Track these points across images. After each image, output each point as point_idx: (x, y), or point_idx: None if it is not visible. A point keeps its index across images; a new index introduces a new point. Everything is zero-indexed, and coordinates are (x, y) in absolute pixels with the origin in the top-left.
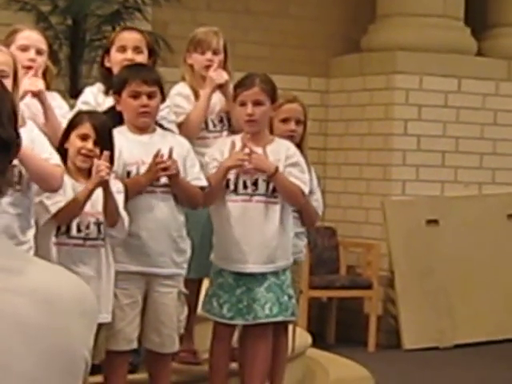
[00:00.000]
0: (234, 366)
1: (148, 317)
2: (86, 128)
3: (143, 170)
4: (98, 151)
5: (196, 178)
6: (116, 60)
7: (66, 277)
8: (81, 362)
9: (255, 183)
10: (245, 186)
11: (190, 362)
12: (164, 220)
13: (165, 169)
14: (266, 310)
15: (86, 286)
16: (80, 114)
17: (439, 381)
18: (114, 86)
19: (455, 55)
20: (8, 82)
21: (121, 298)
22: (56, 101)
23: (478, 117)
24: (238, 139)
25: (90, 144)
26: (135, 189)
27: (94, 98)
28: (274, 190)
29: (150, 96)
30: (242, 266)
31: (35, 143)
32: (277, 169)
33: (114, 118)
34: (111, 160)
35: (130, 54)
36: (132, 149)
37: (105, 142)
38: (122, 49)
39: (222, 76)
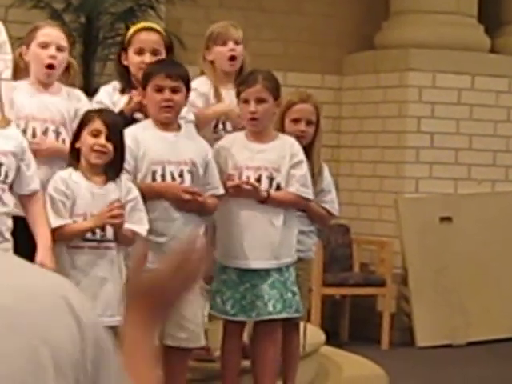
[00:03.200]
0: (246, 363)
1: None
2: (96, 124)
3: (168, 170)
4: (110, 147)
5: (215, 186)
6: (133, 62)
7: (47, 274)
8: (50, 367)
9: (258, 179)
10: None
11: (203, 359)
12: (186, 220)
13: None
14: (269, 306)
15: (70, 285)
16: (89, 112)
17: (452, 378)
18: (141, 81)
19: (468, 52)
20: None
21: None
22: (81, 102)
23: (492, 114)
24: (240, 136)
25: (102, 139)
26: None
27: (109, 97)
28: (278, 187)
29: (174, 91)
30: (244, 262)
31: (26, 154)
32: (268, 194)
33: (124, 120)
34: (122, 157)
35: (148, 58)
36: (158, 147)
37: (116, 138)
38: (140, 51)
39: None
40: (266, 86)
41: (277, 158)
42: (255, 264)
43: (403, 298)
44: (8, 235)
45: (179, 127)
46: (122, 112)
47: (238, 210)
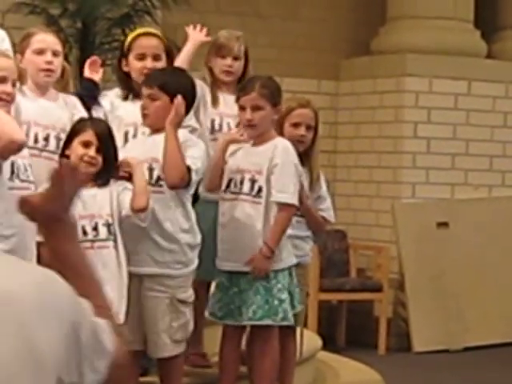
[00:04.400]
0: (243, 369)
1: (137, 320)
2: (88, 135)
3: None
4: (100, 159)
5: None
6: (135, 68)
7: (27, 274)
8: (47, 358)
9: (241, 182)
10: (235, 185)
11: (199, 364)
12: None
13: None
14: (249, 312)
15: (50, 281)
16: (82, 120)
17: (449, 383)
18: None
19: (465, 58)
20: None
21: None
22: (76, 108)
23: (488, 119)
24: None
25: (92, 151)
26: None
27: (111, 103)
28: (259, 190)
29: (152, 98)
30: (227, 264)
31: None
32: (268, 246)
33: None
34: (112, 166)
35: (149, 63)
36: (131, 149)
37: (107, 149)
38: (141, 56)
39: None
40: (262, 93)
41: (260, 160)
42: (235, 266)
43: (400, 303)
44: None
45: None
46: (89, 80)
47: (222, 211)
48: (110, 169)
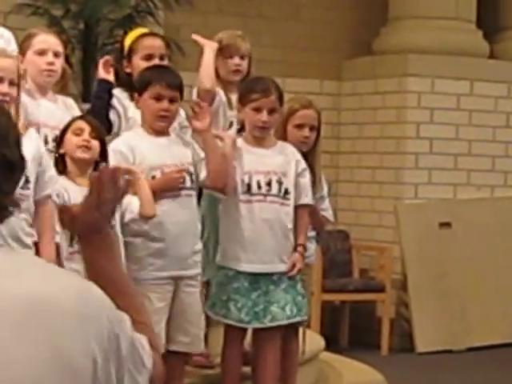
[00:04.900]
0: (247, 369)
1: (175, 318)
2: (79, 123)
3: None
4: (95, 143)
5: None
6: (142, 68)
7: (65, 281)
8: (81, 367)
9: (269, 183)
10: (259, 187)
11: (202, 365)
12: (187, 223)
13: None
14: (286, 311)
15: (88, 290)
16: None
17: None
18: (136, 85)
19: (467, 58)
20: (11, 89)
21: (155, 301)
22: (74, 110)
23: (491, 119)
24: (239, 141)
25: (85, 135)
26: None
27: (120, 103)
28: (286, 191)
29: (172, 100)
30: (252, 266)
31: (43, 158)
32: (301, 245)
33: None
34: (105, 156)
35: (157, 63)
36: (155, 152)
37: (101, 138)
38: (149, 57)
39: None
40: (277, 96)
41: (283, 162)
42: (269, 268)
43: (403, 303)
44: (28, 241)
45: (169, 133)
46: (104, 80)
47: (249, 213)
48: (107, 157)
